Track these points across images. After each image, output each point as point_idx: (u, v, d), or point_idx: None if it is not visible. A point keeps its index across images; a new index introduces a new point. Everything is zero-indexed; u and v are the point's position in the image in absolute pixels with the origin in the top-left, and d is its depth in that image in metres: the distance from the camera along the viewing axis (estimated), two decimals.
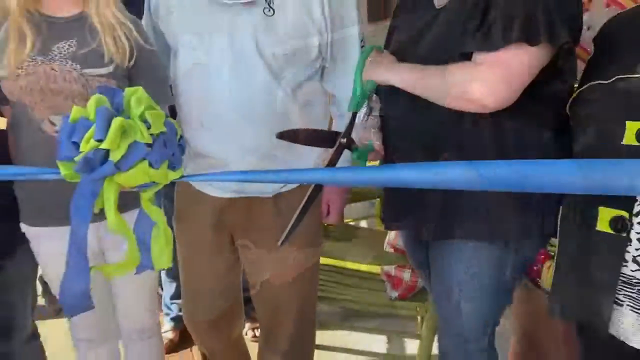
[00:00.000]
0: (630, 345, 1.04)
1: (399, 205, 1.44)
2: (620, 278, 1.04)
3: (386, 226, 1.52)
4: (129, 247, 1.08)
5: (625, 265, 1.03)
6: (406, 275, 1.93)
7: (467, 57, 1.18)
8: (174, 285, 2.36)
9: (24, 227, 1.38)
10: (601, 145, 1.09)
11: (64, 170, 1.04)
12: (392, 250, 1.97)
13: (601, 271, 1.07)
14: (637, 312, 1.03)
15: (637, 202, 1.02)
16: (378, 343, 2.28)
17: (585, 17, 1.47)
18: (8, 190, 1.35)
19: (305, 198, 1.11)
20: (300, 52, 1.39)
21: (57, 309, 2.56)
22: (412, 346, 2.19)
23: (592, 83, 1.14)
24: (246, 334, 2.29)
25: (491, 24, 1.13)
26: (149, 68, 1.33)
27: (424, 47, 1.28)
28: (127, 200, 1.07)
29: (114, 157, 1.00)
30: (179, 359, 2.27)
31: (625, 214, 1.03)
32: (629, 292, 1.04)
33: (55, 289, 1.51)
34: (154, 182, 1.07)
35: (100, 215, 1.07)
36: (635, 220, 1.02)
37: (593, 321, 1.10)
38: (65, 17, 1.24)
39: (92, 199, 1.04)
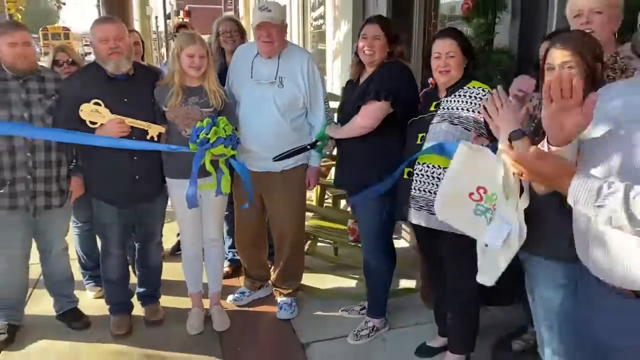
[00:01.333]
0: (414, 222, 2.54)
1: (339, 176, 3.02)
2: (410, 196, 2.54)
3: (335, 186, 3.09)
4: (213, 179, 2.72)
5: (412, 190, 2.53)
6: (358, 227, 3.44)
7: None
8: (230, 240, 3.92)
9: (166, 178, 3.02)
10: (411, 143, 2.61)
11: (191, 146, 2.70)
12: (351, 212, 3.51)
13: (404, 194, 2.57)
14: (414, 209, 2.52)
15: (415, 165, 2.52)
16: (355, 270, 3.76)
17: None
18: (160, 159, 3.00)
19: (292, 151, 2.82)
20: (294, 104, 3.02)
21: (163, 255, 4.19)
22: None
23: (412, 119, 2.68)
24: None
25: (367, 93, 2.71)
26: (228, 110, 2.97)
27: (350, 104, 2.87)
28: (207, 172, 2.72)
29: (211, 141, 2.64)
30: (231, 282, 3.79)
31: (411, 169, 2.53)
32: (413, 203, 2.53)
33: (175, 211, 3.12)
34: (224, 154, 2.70)
35: (200, 174, 2.70)
36: (414, 172, 2.52)
37: (405, 217, 2.59)
38: (194, 86, 2.90)
39: (201, 158, 2.68)
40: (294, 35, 8.47)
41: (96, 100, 2.78)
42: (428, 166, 2.48)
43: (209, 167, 2.71)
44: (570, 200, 1.32)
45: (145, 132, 2.85)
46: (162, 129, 2.88)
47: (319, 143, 2.98)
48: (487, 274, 2.04)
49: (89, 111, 2.77)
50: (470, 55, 2.52)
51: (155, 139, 2.86)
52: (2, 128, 2.73)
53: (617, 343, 1.44)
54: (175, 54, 2.88)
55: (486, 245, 2.00)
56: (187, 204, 2.77)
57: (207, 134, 2.66)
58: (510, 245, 1.88)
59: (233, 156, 2.82)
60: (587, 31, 1.94)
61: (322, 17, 6.86)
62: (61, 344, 3.08)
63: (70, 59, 3.33)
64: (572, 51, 1.77)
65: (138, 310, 3.33)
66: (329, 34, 6.24)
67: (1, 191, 2.83)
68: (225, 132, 2.72)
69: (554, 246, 1.83)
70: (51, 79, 2.97)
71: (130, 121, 2.81)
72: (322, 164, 4.00)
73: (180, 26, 4.52)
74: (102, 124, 2.79)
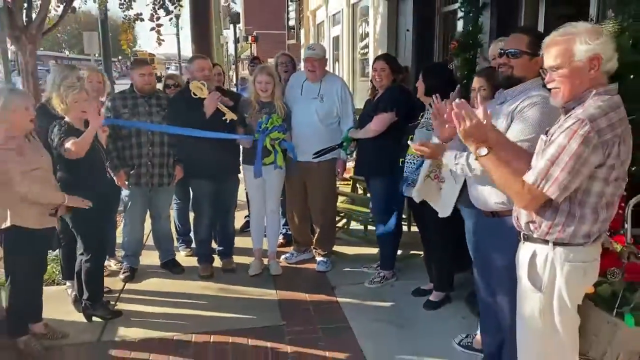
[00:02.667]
0: (405, 195, 3.72)
1: (359, 165, 4.26)
2: (402, 177, 3.72)
3: (355, 173, 4.33)
4: (272, 156, 4.04)
5: (404, 173, 3.71)
6: None
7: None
8: (284, 219, 5.18)
9: (243, 165, 4.36)
10: (404, 141, 3.79)
11: (256, 135, 4.06)
12: None
13: (400, 177, 3.76)
14: (405, 185, 3.69)
15: (406, 156, 3.69)
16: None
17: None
18: (238, 149, 4.34)
19: (326, 149, 4.10)
20: (330, 114, 4.29)
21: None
22: None
23: (408, 125, 3.87)
24: None
25: (377, 108, 3.94)
26: (288, 117, 4.27)
27: (365, 116, 4.11)
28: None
29: (269, 128, 4.00)
30: (284, 250, 5.03)
31: (404, 159, 3.72)
32: (404, 181, 3.71)
33: (247, 187, 4.44)
34: (278, 137, 4.03)
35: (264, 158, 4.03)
36: (405, 161, 3.69)
37: (401, 191, 3.78)
38: (266, 101, 4.21)
39: (263, 141, 4.03)
40: (344, 59, 9.81)
41: (202, 82, 4.12)
42: (413, 156, 3.64)
43: (269, 146, 4.03)
44: (444, 162, 2.51)
45: (223, 114, 4.13)
46: (235, 117, 4.17)
47: (344, 143, 4.22)
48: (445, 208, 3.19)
49: (196, 86, 4.11)
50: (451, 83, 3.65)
51: (228, 121, 4.14)
52: (135, 124, 4.17)
53: (484, 243, 2.59)
54: (252, 80, 4.24)
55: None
56: (254, 175, 4.11)
57: (265, 124, 3.97)
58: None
59: (284, 140, 4.14)
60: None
61: (367, 46, 8.15)
62: (165, 280, 4.44)
63: (176, 83, 4.77)
64: (484, 78, 2.94)
65: (217, 263, 4.65)
66: (371, 61, 7.50)
67: (131, 172, 4.24)
68: (277, 122, 4.03)
69: (465, 198, 2.94)
70: (164, 97, 4.39)
71: (218, 102, 4.10)
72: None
73: (254, 58, 5.90)
74: (201, 97, 4.08)
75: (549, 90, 2.06)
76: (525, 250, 2.11)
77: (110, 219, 4.48)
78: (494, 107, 2.56)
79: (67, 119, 3.48)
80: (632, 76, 2.53)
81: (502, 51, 2.46)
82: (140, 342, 3.45)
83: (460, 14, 4.67)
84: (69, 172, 3.47)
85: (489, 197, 2.48)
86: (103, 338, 3.52)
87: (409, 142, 3.64)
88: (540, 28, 4.09)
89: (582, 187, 1.93)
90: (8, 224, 3.12)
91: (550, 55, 1.98)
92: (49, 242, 3.47)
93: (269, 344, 3.39)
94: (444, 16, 5.68)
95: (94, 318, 3.72)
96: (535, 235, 2.06)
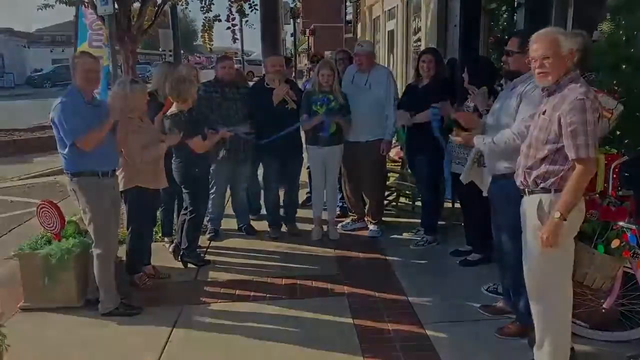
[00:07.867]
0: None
1: (409, 151, 4.99)
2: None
3: (406, 156, 5.06)
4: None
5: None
6: None
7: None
8: (340, 194, 5.95)
9: (305, 145, 5.17)
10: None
11: (320, 109, 4.84)
12: None
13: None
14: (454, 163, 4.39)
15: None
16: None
17: None
18: (300, 133, 5.15)
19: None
20: (378, 99, 5.03)
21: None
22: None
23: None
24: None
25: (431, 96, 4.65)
26: (346, 102, 5.01)
27: (413, 100, 4.82)
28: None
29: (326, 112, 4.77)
30: (340, 220, 5.80)
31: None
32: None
33: (310, 164, 5.26)
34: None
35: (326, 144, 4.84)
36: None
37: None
38: (327, 91, 5.00)
39: (329, 122, 4.82)
40: (398, 51, 10.47)
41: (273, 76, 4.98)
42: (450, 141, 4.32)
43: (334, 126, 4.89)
44: (476, 144, 3.23)
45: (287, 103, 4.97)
46: (295, 106, 4.99)
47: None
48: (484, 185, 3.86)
49: (270, 78, 4.99)
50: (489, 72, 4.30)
51: (289, 109, 4.98)
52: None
53: (495, 201, 3.29)
54: (315, 73, 5.02)
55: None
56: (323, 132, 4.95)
57: (328, 105, 4.80)
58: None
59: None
60: None
61: (419, 40, 8.78)
62: (242, 240, 5.34)
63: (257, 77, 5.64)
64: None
65: (283, 228, 5.49)
66: None
67: (224, 150, 5.12)
68: (336, 106, 4.89)
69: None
70: (242, 86, 5.26)
71: (285, 94, 4.95)
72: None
73: (314, 55, 6.70)
74: (273, 87, 4.95)
75: None
76: (530, 201, 2.74)
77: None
78: (507, 91, 3.24)
79: (177, 108, 4.36)
80: (624, 66, 3.11)
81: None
82: (227, 282, 4.34)
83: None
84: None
85: (500, 164, 3.18)
86: (198, 278, 4.44)
87: (450, 136, 4.36)
88: (569, 26, 4.63)
89: None
90: (133, 184, 4.04)
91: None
92: (158, 200, 4.42)
93: (329, 285, 4.20)
94: (489, 13, 6.24)
95: (189, 265, 4.63)
96: (540, 187, 2.67)
